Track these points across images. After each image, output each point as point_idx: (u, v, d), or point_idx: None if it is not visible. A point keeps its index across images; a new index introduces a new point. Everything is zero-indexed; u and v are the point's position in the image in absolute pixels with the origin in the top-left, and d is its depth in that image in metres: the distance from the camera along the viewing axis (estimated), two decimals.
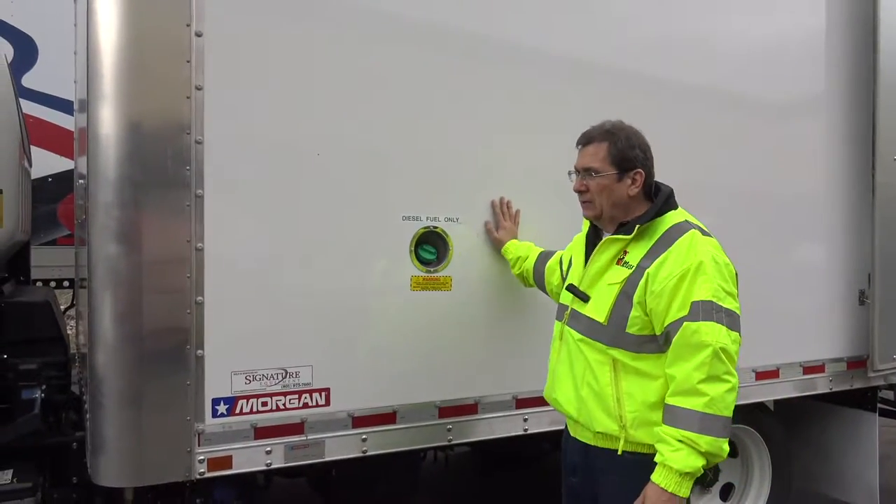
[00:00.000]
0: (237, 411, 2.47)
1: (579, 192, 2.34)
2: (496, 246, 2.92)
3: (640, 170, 2.25)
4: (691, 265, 2.11)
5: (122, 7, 2.31)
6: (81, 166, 3.18)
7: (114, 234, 2.33)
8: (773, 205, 3.65)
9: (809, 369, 3.77)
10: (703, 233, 2.22)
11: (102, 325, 2.34)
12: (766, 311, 3.40)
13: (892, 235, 3.96)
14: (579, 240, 2.48)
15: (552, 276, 2.70)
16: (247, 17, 2.46)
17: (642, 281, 2.16)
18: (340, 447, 2.65)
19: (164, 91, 2.34)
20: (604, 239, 2.31)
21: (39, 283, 4.48)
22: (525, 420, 3.00)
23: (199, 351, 2.39)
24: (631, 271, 2.20)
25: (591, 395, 2.24)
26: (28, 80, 4.65)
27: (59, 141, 4.67)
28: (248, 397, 2.49)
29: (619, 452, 2.19)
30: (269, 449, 2.53)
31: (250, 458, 2.51)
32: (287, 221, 2.54)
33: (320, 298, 2.61)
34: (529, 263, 2.82)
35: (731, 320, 2.09)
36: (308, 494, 3.52)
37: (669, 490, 2.01)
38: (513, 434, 2.99)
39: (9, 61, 3.43)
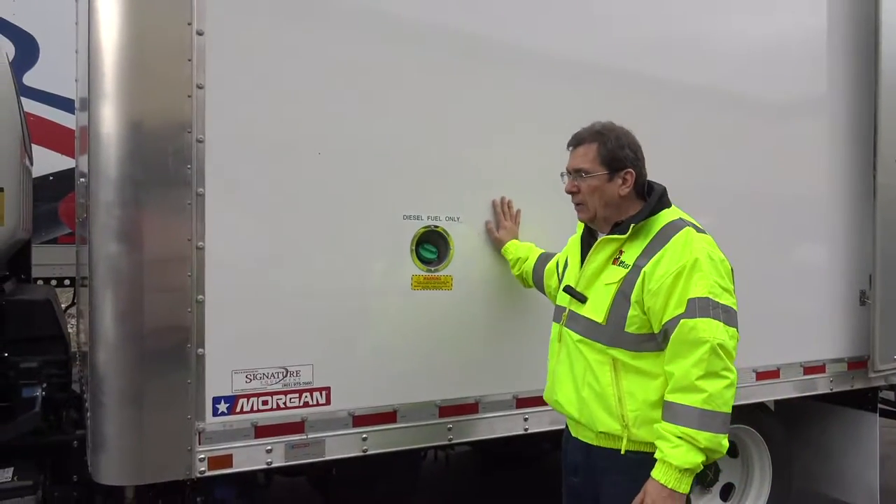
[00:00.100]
0: (238, 410, 2.47)
1: (571, 193, 2.35)
2: (496, 246, 2.92)
3: (630, 169, 2.27)
4: (687, 262, 2.11)
5: (123, 6, 2.31)
6: (82, 165, 3.18)
7: (115, 232, 2.33)
8: (774, 205, 3.64)
9: (810, 369, 3.77)
10: (698, 230, 2.23)
11: (103, 323, 2.34)
12: (767, 311, 3.40)
13: (893, 236, 3.96)
14: (574, 241, 2.49)
15: (551, 279, 2.70)
16: (248, 16, 2.46)
17: (639, 280, 2.17)
18: (341, 446, 2.65)
19: (166, 90, 2.34)
20: (599, 239, 2.32)
21: (40, 282, 4.49)
22: (525, 419, 3.00)
23: (200, 349, 2.40)
24: (627, 270, 2.21)
25: (593, 396, 2.24)
26: (29, 79, 4.66)
27: (61, 139, 4.67)
28: (248, 396, 2.49)
29: (623, 452, 2.19)
30: (269, 448, 2.53)
31: (251, 457, 2.51)
32: (288, 219, 2.54)
33: (321, 297, 2.61)
34: (529, 265, 2.82)
35: (727, 316, 2.10)
36: (308, 493, 3.52)
37: (669, 486, 2.02)
38: (513, 433, 2.99)
39: (10, 60, 3.43)
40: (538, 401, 2.74)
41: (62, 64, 4.26)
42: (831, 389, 3.87)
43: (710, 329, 2.06)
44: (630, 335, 2.19)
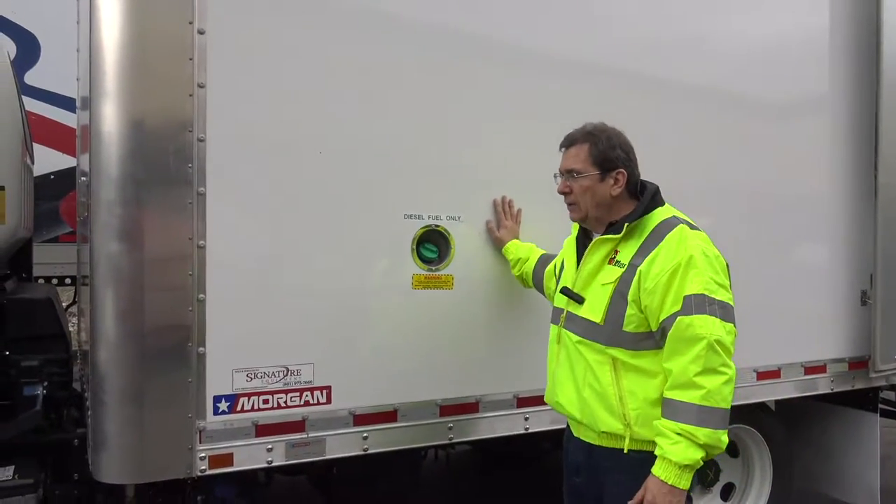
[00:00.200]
0: (238, 409, 2.48)
1: (563, 193, 2.36)
2: (497, 245, 2.92)
3: (622, 169, 2.27)
4: (682, 260, 2.12)
5: (124, 4, 2.31)
6: (84, 164, 3.18)
7: (116, 231, 2.33)
8: (774, 205, 3.64)
9: (811, 369, 3.76)
10: (691, 227, 2.23)
11: (104, 322, 2.35)
12: (768, 311, 3.40)
13: (895, 236, 3.96)
14: (570, 243, 2.49)
15: (550, 282, 2.70)
16: (249, 15, 2.46)
17: (635, 279, 2.17)
18: (341, 445, 2.65)
19: (167, 89, 2.34)
20: (594, 240, 2.32)
21: (41, 280, 4.50)
22: (526, 419, 3.00)
23: (201, 348, 2.40)
24: (623, 270, 2.21)
25: (594, 396, 2.25)
26: (31, 78, 4.66)
27: (62, 138, 4.68)
28: (249, 395, 2.49)
29: (625, 451, 2.20)
30: (270, 446, 2.53)
31: (251, 456, 2.51)
32: (289, 219, 2.54)
33: (322, 296, 2.61)
34: (529, 266, 2.82)
35: (724, 312, 2.10)
36: (309, 492, 3.52)
37: (669, 482, 2.03)
38: (514, 433, 2.99)
39: (11, 58, 3.44)
40: (539, 400, 2.74)
41: (63, 63, 4.27)
42: (832, 389, 3.86)
43: (707, 325, 2.06)
44: (628, 334, 2.19)
